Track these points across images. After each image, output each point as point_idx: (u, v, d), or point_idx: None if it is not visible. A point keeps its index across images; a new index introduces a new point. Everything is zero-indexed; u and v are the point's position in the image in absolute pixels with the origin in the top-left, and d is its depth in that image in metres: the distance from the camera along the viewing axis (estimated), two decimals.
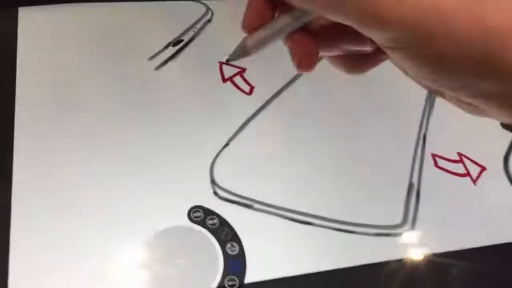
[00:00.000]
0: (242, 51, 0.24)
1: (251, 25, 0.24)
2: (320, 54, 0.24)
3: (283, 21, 0.23)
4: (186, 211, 0.38)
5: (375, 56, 0.25)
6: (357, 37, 0.22)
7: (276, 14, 0.24)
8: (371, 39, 0.21)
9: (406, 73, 0.22)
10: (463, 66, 0.19)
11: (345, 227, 0.39)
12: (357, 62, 0.25)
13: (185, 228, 0.37)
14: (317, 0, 0.21)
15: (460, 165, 0.44)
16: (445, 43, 0.19)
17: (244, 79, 0.47)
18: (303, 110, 0.45)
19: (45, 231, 0.36)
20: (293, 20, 0.23)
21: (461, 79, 0.20)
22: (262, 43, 0.23)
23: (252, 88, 0.47)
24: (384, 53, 0.21)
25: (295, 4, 0.22)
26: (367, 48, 0.24)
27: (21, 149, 0.40)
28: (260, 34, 0.23)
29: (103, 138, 0.41)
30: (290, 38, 0.24)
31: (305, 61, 0.24)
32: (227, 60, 0.25)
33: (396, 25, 0.19)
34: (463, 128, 0.46)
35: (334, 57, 0.25)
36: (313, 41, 0.24)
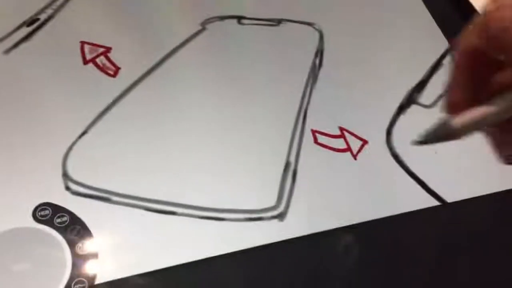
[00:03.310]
0: (446, 132, 0.19)
1: (457, 105, 0.19)
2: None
3: (505, 102, 0.18)
4: (31, 210, 0.34)
5: None
6: None
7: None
8: None
9: None
10: None
11: (212, 214, 0.36)
12: None
13: (27, 229, 0.33)
14: None
15: (341, 140, 0.42)
16: None
17: (109, 60, 0.43)
18: (171, 93, 0.42)
19: None
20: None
21: None
22: (472, 128, 0.19)
23: (117, 69, 0.42)
24: None
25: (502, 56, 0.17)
26: None
27: None
28: (470, 115, 0.19)
29: None
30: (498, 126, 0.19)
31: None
32: (419, 142, 0.20)
33: None
34: (346, 102, 0.44)
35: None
36: None
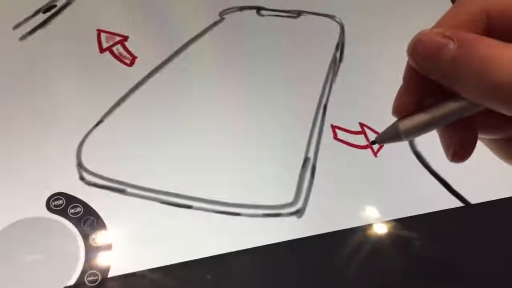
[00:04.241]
0: (394, 134, 0.21)
1: (404, 109, 0.20)
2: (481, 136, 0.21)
3: (448, 108, 0.19)
4: (45, 199, 0.34)
5: None
6: None
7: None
8: None
9: None
10: None
11: (228, 209, 0.35)
12: None
13: (41, 219, 0.33)
14: (491, 89, 0.17)
15: (362, 136, 0.41)
16: None
17: (126, 49, 0.42)
18: (187, 83, 0.41)
19: None
20: (461, 109, 0.19)
21: None
22: (417, 130, 0.20)
23: (134, 58, 0.41)
24: None
25: (471, 98, 0.18)
26: None
27: None
28: (417, 119, 0.20)
29: None
30: (445, 126, 0.20)
31: (460, 153, 0.20)
32: (373, 142, 0.22)
33: None
34: (367, 97, 0.42)
35: (493, 140, 0.22)
36: (473, 128, 0.21)
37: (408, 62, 0.20)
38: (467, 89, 0.18)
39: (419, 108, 0.20)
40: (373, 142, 0.22)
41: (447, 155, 0.21)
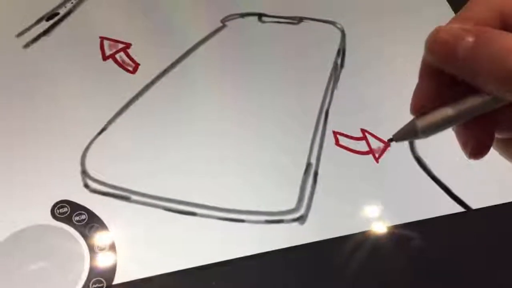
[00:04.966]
0: (411, 132, 0.20)
1: (421, 106, 0.20)
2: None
3: (466, 105, 0.19)
4: (50, 207, 0.34)
5: None
6: None
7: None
8: None
9: None
10: None
11: (231, 216, 0.36)
12: None
13: (46, 227, 0.33)
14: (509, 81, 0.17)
15: (363, 142, 0.41)
16: None
17: (129, 56, 0.42)
18: (190, 90, 0.41)
19: None
20: (480, 105, 0.19)
21: None
22: (435, 127, 0.20)
23: (137, 65, 0.42)
24: None
25: (491, 91, 0.18)
26: None
27: None
28: (435, 116, 0.20)
29: None
30: (463, 124, 0.20)
31: (478, 152, 0.20)
32: (390, 140, 0.21)
33: None
34: (368, 103, 0.43)
35: (501, 140, 0.22)
36: (491, 127, 0.21)
37: (423, 60, 0.20)
38: (486, 81, 0.18)
39: (436, 105, 0.20)
40: (391, 140, 0.22)
41: (465, 153, 0.21)
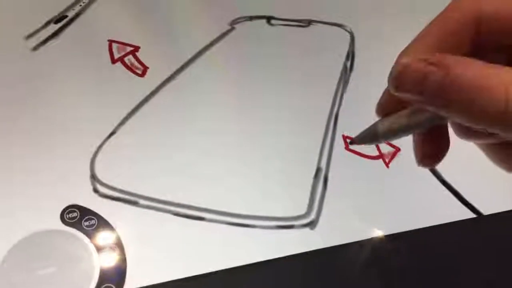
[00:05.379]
0: (372, 136, 0.21)
1: (386, 109, 0.20)
2: (471, 141, 0.21)
3: (424, 115, 0.19)
4: (59, 212, 0.34)
5: None
6: None
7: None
8: None
9: None
10: None
11: (241, 221, 0.35)
12: None
13: (55, 232, 0.33)
14: (481, 116, 0.16)
15: (373, 146, 0.41)
16: None
17: (137, 59, 0.42)
18: (199, 94, 0.41)
19: None
20: (436, 117, 0.18)
21: None
22: (393, 133, 0.20)
23: (145, 69, 0.42)
24: None
25: (444, 114, 0.17)
26: None
27: None
28: (393, 122, 0.20)
29: None
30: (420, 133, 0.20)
31: (428, 161, 0.20)
32: (352, 142, 0.22)
33: None
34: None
35: (487, 145, 0.21)
36: (446, 139, 0.21)
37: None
38: (455, 116, 0.17)
39: (400, 108, 0.20)
40: (351, 143, 0.22)
41: (416, 158, 0.21)
